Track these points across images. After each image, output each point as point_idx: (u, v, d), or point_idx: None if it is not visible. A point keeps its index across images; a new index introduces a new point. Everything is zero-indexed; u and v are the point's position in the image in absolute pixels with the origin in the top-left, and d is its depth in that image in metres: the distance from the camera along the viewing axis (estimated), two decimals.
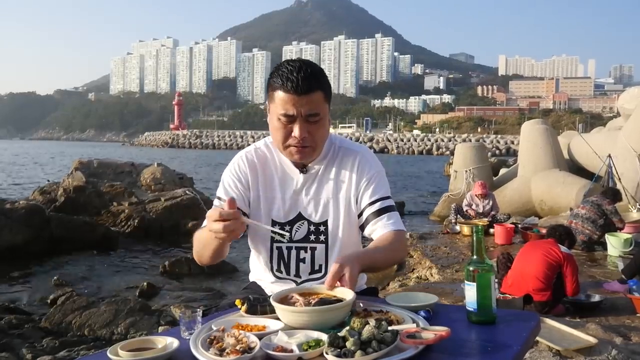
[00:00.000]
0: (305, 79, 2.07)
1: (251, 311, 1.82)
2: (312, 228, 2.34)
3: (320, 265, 2.36)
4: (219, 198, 2.30)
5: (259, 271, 2.47)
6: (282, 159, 2.32)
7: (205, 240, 2.13)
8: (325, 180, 2.34)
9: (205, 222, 2.06)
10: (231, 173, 2.38)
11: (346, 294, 1.80)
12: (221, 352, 1.52)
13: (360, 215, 2.33)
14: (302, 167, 2.32)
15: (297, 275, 2.37)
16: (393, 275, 8.58)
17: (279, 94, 2.10)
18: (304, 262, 2.36)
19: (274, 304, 1.76)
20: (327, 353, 1.47)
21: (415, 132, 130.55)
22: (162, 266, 10.86)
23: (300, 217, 2.34)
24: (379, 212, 2.28)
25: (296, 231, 2.34)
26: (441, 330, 1.59)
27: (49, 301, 8.58)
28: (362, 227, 2.34)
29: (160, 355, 1.55)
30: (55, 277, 9.72)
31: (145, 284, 9.48)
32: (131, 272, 11.10)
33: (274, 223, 2.34)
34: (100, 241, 12.77)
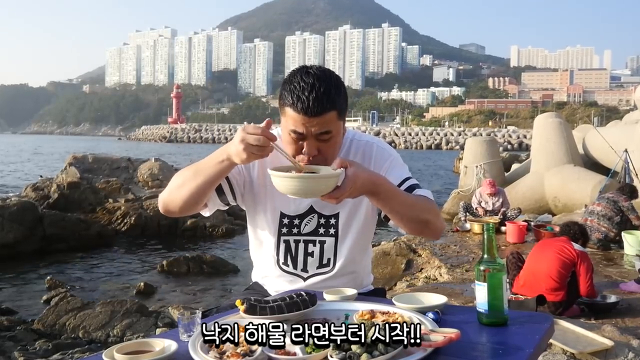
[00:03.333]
0: (317, 100, 1.99)
1: (251, 312, 1.81)
2: (322, 221, 2.35)
3: (329, 259, 2.37)
4: None
5: (264, 265, 2.48)
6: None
7: (200, 168, 2.12)
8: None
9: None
10: None
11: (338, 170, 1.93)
12: (221, 355, 1.52)
13: None
14: None
15: (305, 269, 2.38)
16: (400, 275, 8.59)
17: (289, 111, 2.04)
18: (312, 256, 2.37)
19: (269, 171, 1.90)
20: (331, 356, 1.47)
21: (416, 128, 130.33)
22: (159, 265, 10.89)
23: (311, 210, 2.35)
24: (409, 190, 2.23)
25: (305, 225, 2.35)
26: (450, 332, 1.59)
27: (42, 302, 8.61)
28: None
29: (158, 359, 1.55)
30: (48, 277, 9.74)
31: (142, 284, 9.51)
32: (127, 271, 11.13)
33: (282, 215, 2.35)
34: (95, 239, 12.81)
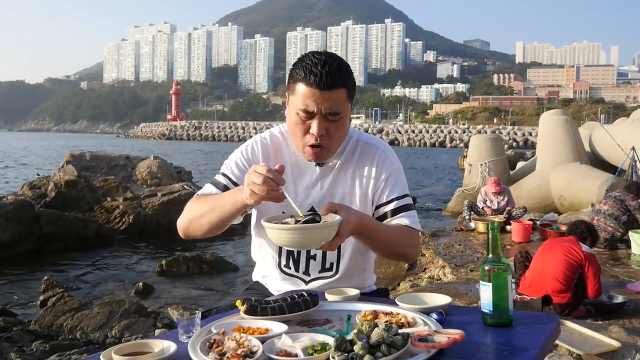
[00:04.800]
0: (330, 74, 2.05)
1: (252, 313, 1.81)
2: None
3: (332, 264, 2.37)
4: (224, 174, 2.35)
5: (265, 267, 2.48)
6: (297, 150, 2.31)
7: (217, 205, 2.19)
8: (342, 174, 2.33)
9: (206, 189, 2.32)
10: (241, 154, 2.39)
11: (334, 217, 1.92)
12: (221, 356, 1.52)
13: (375, 212, 2.33)
14: None
15: (306, 272, 2.38)
16: (404, 275, 8.57)
17: (300, 87, 2.09)
18: (315, 260, 2.37)
19: (263, 223, 1.89)
20: (333, 358, 1.47)
21: (420, 125, 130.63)
22: (158, 265, 10.86)
23: (313, 212, 2.33)
24: (396, 211, 2.29)
25: None
26: (455, 333, 1.59)
27: (38, 302, 8.60)
28: None
29: None
30: (45, 277, 9.71)
31: (140, 284, 9.50)
32: (126, 271, 11.13)
33: None
34: (93, 239, 12.80)
